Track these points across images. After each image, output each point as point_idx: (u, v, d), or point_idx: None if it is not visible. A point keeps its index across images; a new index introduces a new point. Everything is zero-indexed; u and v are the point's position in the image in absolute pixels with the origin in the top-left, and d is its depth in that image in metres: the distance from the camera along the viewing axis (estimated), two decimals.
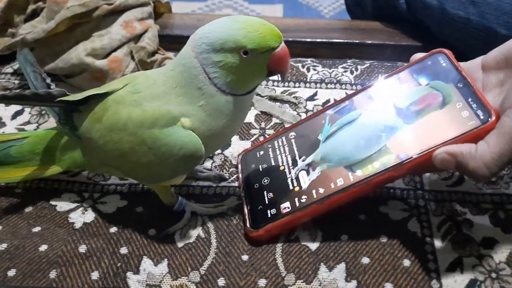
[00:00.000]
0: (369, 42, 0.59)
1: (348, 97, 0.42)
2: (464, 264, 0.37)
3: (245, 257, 0.37)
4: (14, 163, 0.40)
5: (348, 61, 0.57)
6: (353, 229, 0.39)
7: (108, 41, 0.50)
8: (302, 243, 0.38)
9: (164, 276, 0.36)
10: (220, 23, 0.33)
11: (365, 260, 0.37)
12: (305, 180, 0.38)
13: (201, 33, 0.33)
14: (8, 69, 0.55)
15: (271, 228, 0.37)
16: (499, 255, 0.37)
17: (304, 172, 0.39)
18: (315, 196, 0.37)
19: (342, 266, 0.37)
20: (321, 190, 0.37)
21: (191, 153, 0.34)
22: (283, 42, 0.33)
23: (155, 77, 0.36)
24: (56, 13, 0.49)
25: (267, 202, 0.39)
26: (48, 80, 0.42)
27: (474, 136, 0.33)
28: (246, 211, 0.39)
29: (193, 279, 0.36)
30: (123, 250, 0.38)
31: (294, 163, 0.40)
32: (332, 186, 0.37)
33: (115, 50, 0.50)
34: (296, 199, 0.38)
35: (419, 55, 0.40)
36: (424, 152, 0.34)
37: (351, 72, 0.55)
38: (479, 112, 0.34)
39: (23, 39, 0.48)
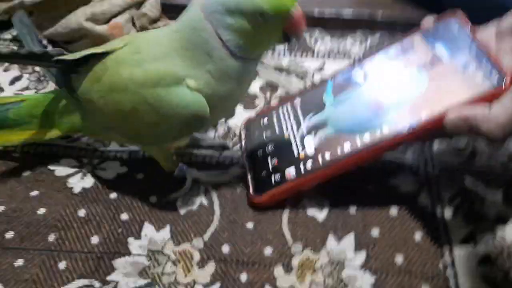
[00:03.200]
0: (379, 16, 0.58)
1: (357, 63, 0.40)
2: (477, 238, 0.36)
3: (250, 225, 0.36)
4: (12, 126, 0.39)
5: (358, 31, 0.55)
6: (362, 201, 0.38)
7: (108, 6, 0.48)
8: (309, 213, 0.37)
9: (167, 241, 0.35)
10: None
11: (375, 231, 0.36)
12: (311, 146, 0.37)
13: None
14: (7, 35, 0.53)
15: (274, 193, 0.36)
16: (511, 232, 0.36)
17: (309, 138, 0.38)
18: (320, 162, 0.36)
19: (351, 236, 0.36)
20: (327, 155, 0.36)
21: (196, 112, 0.32)
22: (298, 5, 0.32)
23: (157, 38, 0.34)
24: None
25: (271, 169, 0.38)
26: (45, 42, 0.40)
27: (487, 99, 0.32)
28: (249, 177, 0.38)
29: (196, 245, 0.35)
30: (124, 216, 0.36)
31: (300, 129, 0.39)
32: (339, 151, 0.36)
33: (115, 16, 0.49)
34: (301, 165, 0.37)
35: (431, 19, 0.38)
36: (436, 116, 0.33)
37: (361, 43, 0.53)
38: (493, 75, 0.32)
39: (21, 3, 0.47)
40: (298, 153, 0.38)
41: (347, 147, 0.35)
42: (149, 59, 0.33)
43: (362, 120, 0.36)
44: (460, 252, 0.35)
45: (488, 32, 0.36)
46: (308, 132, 0.38)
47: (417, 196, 0.39)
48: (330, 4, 0.58)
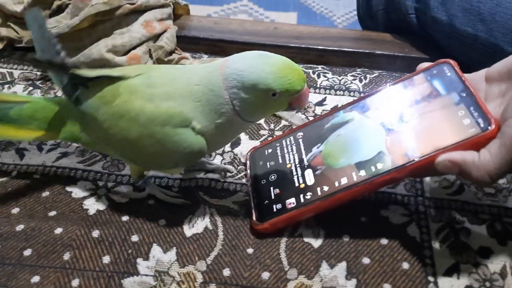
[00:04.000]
0: (379, 52, 0.61)
1: (355, 101, 0.44)
2: (461, 270, 0.38)
3: (250, 250, 0.39)
4: (11, 122, 0.40)
5: (358, 69, 0.59)
6: (354, 230, 0.41)
7: (128, 38, 0.52)
8: (305, 241, 0.40)
9: (173, 263, 0.38)
10: (253, 62, 0.35)
11: (366, 260, 0.39)
12: (311, 178, 0.40)
13: (234, 68, 0.35)
14: None
15: (276, 222, 0.39)
16: (494, 265, 0.38)
17: (310, 170, 0.41)
18: (319, 193, 0.39)
19: (343, 264, 0.38)
20: (326, 188, 0.39)
21: (196, 151, 0.37)
22: (306, 84, 0.36)
23: (173, 78, 0.37)
24: (80, 10, 0.51)
25: (273, 198, 0.41)
26: (55, 41, 0.40)
27: (474, 143, 0.35)
28: (252, 205, 0.41)
29: (199, 268, 0.38)
30: (134, 238, 0.39)
31: (301, 161, 0.42)
32: (336, 184, 0.39)
33: (134, 47, 0.52)
34: (301, 196, 0.40)
35: (425, 64, 0.42)
36: (426, 156, 0.36)
37: (360, 81, 0.57)
38: (480, 120, 0.35)
39: None
40: (299, 184, 0.40)
41: (344, 181, 0.38)
42: (162, 96, 0.36)
43: (358, 155, 0.39)
44: (444, 283, 0.37)
45: (478, 77, 0.39)
46: (309, 164, 0.41)
47: (406, 227, 0.41)
48: (332, 41, 0.62)
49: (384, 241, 0.40)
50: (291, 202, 0.40)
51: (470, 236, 0.41)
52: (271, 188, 0.41)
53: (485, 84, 0.39)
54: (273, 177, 0.42)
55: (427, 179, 0.45)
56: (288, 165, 0.43)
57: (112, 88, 0.37)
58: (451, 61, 0.40)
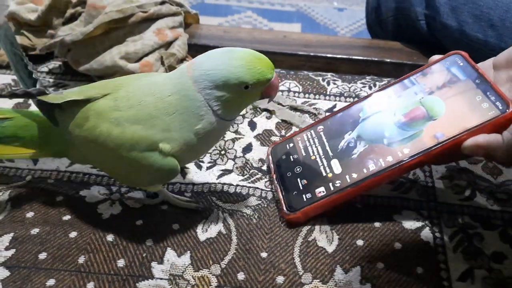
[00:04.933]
0: (388, 60, 0.62)
1: (383, 87, 0.45)
2: (475, 275, 0.38)
3: (264, 255, 0.39)
4: None
5: (367, 77, 0.59)
6: (368, 235, 0.41)
7: (141, 46, 0.52)
8: (319, 245, 0.40)
9: (187, 267, 0.38)
10: (220, 59, 0.35)
11: (380, 265, 0.39)
12: (337, 167, 0.42)
13: (202, 69, 0.35)
14: (44, 68, 0.58)
15: (307, 210, 0.41)
16: (508, 270, 0.38)
17: (336, 160, 0.42)
18: (348, 181, 0.41)
19: (357, 269, 0.38)
20: (354, 175, 0.41)
21: (167, 172, 0.37)
22: (274, 72, 0.37)
23: (141, 97, 0.36)
24: (93, 18, 0.52)
25: (301, 188, 0.42)
26: (26, 60, 0.40)
27: (496, 125, 0.37)
28: (281, 196, 0.43)
29: (214, 272, 0.38)
30: (148, 242, 0.40)
31: (325, 152, 0.44)
32: (365, 171, 0.40)
33: (147, 55, 0.53)
34: (331, 184, 0.41)
35: (437, 57, 0.43)
36: (451, 139, 0.38)
37: (370, 88, 0.57)
38: (498, 104, 0.37)
39: (62, 40, 0.51)
40: (326, 174, 0.42)
41: (372, 167, 0.40)
42: (128, 119, 0.36)
43: (388, 136, 0.41)
44: None
45: (486, 66, 0.41)
46: (334, 155, 0.43)
47: (420, 232, 0.41)
48: (340, 49, 0.63)
49: (398, 246, 0.40)
50: (320, 191, 0.41)
51: (483, 241, 0.41)
52: (298, 179, 0.43)
53: (493, 71, 0.41)
54: (298, 169, 0.44)
55: (439, 185, 0.46)
56: (313, 157, 0.44)
57: (83, 111, 0.37)
58: (462, 52, 0.42)
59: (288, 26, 1.73)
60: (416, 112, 0.41)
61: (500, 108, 0.37)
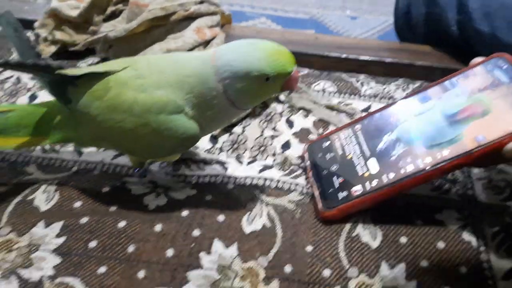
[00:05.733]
0: (419, 63, 0.62)
1: (423, 89, 0.45)
2: None
3: (309, 248, 0.39)
4: None
5: (400, 79, 0.60)
6: (411, 233, 0.41)
7: (181, 43, 0.53)
8: (363, 241, 0.40)
9: (235, 258, 0.38)
10: (243, 51, 0.36)
11: (424, 263, 0.39)
12: (375, 166, 0.42)
13: (225, 59, 0.35)
14: (82, 64, 0.59)
15: (344, 208, 0.41)
16: None
17: (373, 159, 0.43)
18: (385, 181, 0.41)
19: (402, 265, 0.39)
20: (391, 175, 0.41)
21: (191, 137, 0.37)
22: (295, 66, 0.37)
23: (162, 68, 0.37)
24: (136, 15, 0.53)
25: (337, 186, 0.42)
26: (33, 44, 0.41)
27: None
28: (317, 194, 0.43)
29: (261, 264, 0.38)
30: (195, 233, 0.40)
31: (362, 151, 0.44)
32: (402, 171, 0.40)
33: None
34: (367, 183, 0.41)
35: (479, 59, 0.43)
36: (492, 142, 0.37)
37: (403, 90, 0.58)
38: None
39: (106, 36, 0.53)
40: (363, 173, 0.42)
41: (410, 168, 0.40)
42: (153, 85, 0.36)
43: (429, 137, 0.41)
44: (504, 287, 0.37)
45: None
46: (372, 154, 0.43)
47: (462, 231, 0.42)
48: (372, 51, 0.64)
49: (441, 245, 0.40)
50: (357, 189, 0.41)
51: None
52: (334, 178, 0.43)
53: None
54: (334, 167, 0.44)
55: (478, 185, 0.46)
56: (349, 156, 0.44)
57: (102, 83, 0.37)
58: (506, 55, 0.42)
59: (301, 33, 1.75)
60: (473, 109, 0.40)
61: None
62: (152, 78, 0.37)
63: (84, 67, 0.39)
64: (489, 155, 0.38)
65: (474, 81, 0.42)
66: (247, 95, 0.36)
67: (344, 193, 0.42)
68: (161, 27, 0.54)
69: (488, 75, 0.42)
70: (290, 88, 0.38)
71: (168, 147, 0.38)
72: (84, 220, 0.41)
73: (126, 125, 0.37)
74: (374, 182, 0.41)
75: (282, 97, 0.55)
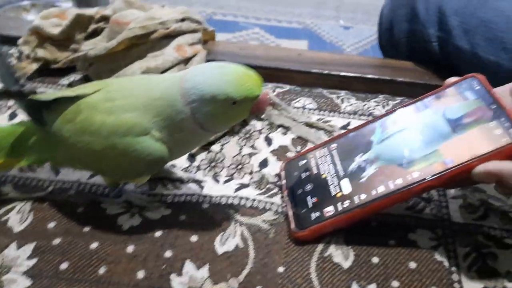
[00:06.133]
0: (400, 79, 0.63)
1: (396, 109, 0.46)
2: None
3: (281, 269, 0.40)
4: None
5: (380, 96, 0.60)
6: (383, 253, 0.41)
7: (161, 61, 0.54)
8: (335, 261, 0.40)
9: (205, 280, 0.38)
10: (210, 74, 0.36)
11: (395, 283, 0.39)
12: (348, 187, 0.42)
13: (193, 82, 0.36)
14: (65, 81, 0.59)
15: (315, 229, 0.41)
16: None
17: (346, 180, 0.43)
18: (357, 202, 0.41)
19: (373, 286, 0.39)
20: (363, 196, 0.41)
21: (158, 159, 0.38)
22: (263, 89, 0.38)
23: (132, 91, 0.38)
24: (116, 33, 0.54)
25: (310, 206, 0.42)
26: (13, 69, 0.42)
27: (507, 152, 0.37)
28: (290, 213, 0.43)
29: (232, 285, 0.38)
30: (168, 253, 0.40)
31: (336, 171, 0.44)
32: (374, 192, 0.40)
33: (167, 70, 0.54)
34: (339, 204, 0.41)
35: (453, 79, 0.44)
36: (461, 165, 0.38)
37: (383, 106, 0.58)
38: (511, 131, 0.37)
39: (86, 54, 0.53)
40: (336, 193, 0.42)
41: (381, 189, 0.40)
42: (121, 108, 0.37)
43: (399, 158, 0.41)
44: None
45: (502, 91, 0.41)
46: (345, 174, 0.43)
47: (434, 251, 0.42)
48: (354, 68, 0.64)
49: (412, 265, 0.41)
50: (329, 210, 0.41)
51: (497, 261, 0.41)
52: (308, 197, 0.43)
53: (510, 97, 0.41)
54: (309, 186, 0.44)
55: (453, 204, 0.46)
56: (324, 175, 0.44)
57: (74, 106, 0.39)
58: (479, 75, 0.42)
59: (295, 43, 1.75)
60: (443, 131, 0.40)
61: None
62: (122, 101, 0.37)
63: (58, 90, 0.40)
64: (459, 178, 0.38)
65: (446, 102, 0.43)
66: (215, 118, 0.37)
67: (317, 214, 0.42)
68: (141, 45, 0.54)
69: (460, 97, 0.42)
70: (259, 111, 0.38)
71: (135, 168, 0.39)
72: (56, 241, 0.41)
73: (95, 147, 0.38)
74: (346, 203, 0.41)
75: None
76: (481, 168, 0.37)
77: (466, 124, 0.40)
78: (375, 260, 0.41)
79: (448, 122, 0.41)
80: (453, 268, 0.40)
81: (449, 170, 0.38)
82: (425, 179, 0.39)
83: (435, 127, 0.41)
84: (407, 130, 0.43)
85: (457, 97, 0.42)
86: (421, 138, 0.41)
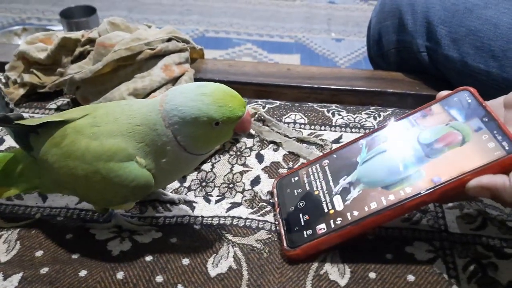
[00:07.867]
0: (391, 91, 0.63)
1: (381, 127, 0.45)
2: None
3: None
4: None
5: (371, 107, 0.60)
6: (380, 268, 0.40)
7: (149, 82, 0.53)
8: (331, 279, 0.39)
9: None
10: (190, 95, 0.35)
11: None
12: (340, 204, 0.41)
13: (173, 104, 0.35)
14: (52, 105, 0.59)
15: (307, 248, 0.40)
16: None
17: (338, 196, 0.42)
18: (349, 218, 0.40)
19: None
20: (356, 213, 0.40)
21: (142, 185, 0.37)
22: (246, 108, 0.37)
23: (116, 116, 0.37)
24: (102, 56, 0.53)
25: (303, 224, 0.41)
26: (2, 93, 0.42)
27: (501, 166, 0.36)
28: (282, 231, 0.42)
29: None
30: (159, 279, 0.39)
31: (328, 187, 0.43)
32: (366, 209, 0.39)
33: (154, 90, 0.54)
34: (332, 221, 0.40)
35: (445, 92, 0.43)
36: (455, 179, 0.37)
37: (374, 118, 0.58)
38: (505, 143, 0.36)
39: (72, 78, 0.53)
40: (328, 210, 0.41)
41: (373, 205, 0.39)
42: (106, 134, 0.37)
43: (388, 179, 0.40)
44: None
45: (496, 104, 0.41)
46: (339, 190, 0.42)
47: (432, 263, 0.41)
48: (344, 81, 0.64)
49: (411, 278, 0.40)
50: (321, 228, 0.40)
51: (497, 271, 0.40)
52: (300, 215, 0.42)
53: (504, 110, 0.40)
54: (301, 204, 0.43)
55: (450, 215, 0.45)
56: (316, 192, 0.43)
57: (61, 130, 0.38)
58: (471, 88, 0.42)
59: (287, 57, 1.77)
60: (450, 137, 0.39)
61: (507, 148, 0.36)
62: (107, 127, 0.37)
63: (45, 115, 0.39)
64: (452, 192, 0.38)
65: (427, 122, 0.42)
66: (197, 140, 0.36)
67: (310, 231, 0.41)
68: (128, 66, 0.54)
69: (443, 115, 0.41)
70: (243, 130, 0.38)
71: (119, 195, 0.38)
72: (44, 270, 0.40)
73: (79, 172, 0.37)
74: (338, 221, 0.40)
75: (252, 130, 0.55)
76: (474, 182, 0.36)
77: (438, 149, 0.39)
78: (372, 275, 0.40)
79: (421, 147, 0.40)
80: (453, 280, 0.39)
81: (442, 185, 0.37)
82: (417, 194, 0.38)
83: (412, 151, 0.41)
84: (388, 152, 0.42)
85: (441, 115, 0.41)
86: (401, 160, 0.41)
